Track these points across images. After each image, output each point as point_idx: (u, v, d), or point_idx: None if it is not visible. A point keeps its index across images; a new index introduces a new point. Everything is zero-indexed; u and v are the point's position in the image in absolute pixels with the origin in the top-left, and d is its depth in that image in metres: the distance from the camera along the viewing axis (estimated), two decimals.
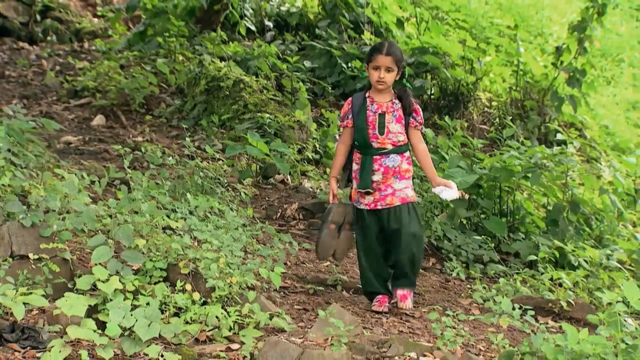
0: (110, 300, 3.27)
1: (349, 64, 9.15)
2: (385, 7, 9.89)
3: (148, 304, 3.22)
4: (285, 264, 4.72)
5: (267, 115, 7.17)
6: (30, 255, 3.54)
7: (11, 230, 3.67)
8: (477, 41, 9.37)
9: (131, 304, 3.22)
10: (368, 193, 4.16)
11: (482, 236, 5.69)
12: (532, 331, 3.67)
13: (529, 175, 5.70)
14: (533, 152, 5.92)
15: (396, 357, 3.39)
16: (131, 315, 3.10)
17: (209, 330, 3.42)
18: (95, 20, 12.31)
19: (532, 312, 3.71)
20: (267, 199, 6.36)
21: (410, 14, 10.25)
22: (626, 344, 3.04)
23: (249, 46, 9.58)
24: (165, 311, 3.40)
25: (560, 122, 8.97)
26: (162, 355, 3.07)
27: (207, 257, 3.72)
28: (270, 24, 10.59)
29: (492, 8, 12.21)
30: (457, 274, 5.22)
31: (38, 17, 11.64)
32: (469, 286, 5.04)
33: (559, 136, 7.52)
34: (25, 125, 5.09)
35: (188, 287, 3.51)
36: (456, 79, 8.78)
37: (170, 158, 5.92)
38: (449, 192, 4.20)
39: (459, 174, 5.62)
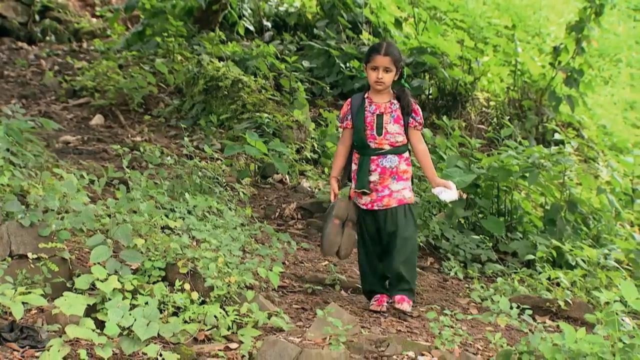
0: (109, 299, 3.28)
1: (347, 64, 9.16)
2: (383, 7, 9.90)
3: (147, 303, 3.23)
4: (284, 263, 4.73)
5: (266, 115, 7.18)
6: (29, 255, 3.54)
7: (10, 229, 3.68)
8: (475, 41, 9.39)
9: (130, 304, 3.22)
10: (364, 193, 4.16)
11: (480, 236, 5.70)
12: (530, 330, 3.68)
13: (527, 174, 5.72)
14: (531, 151, 5.93)
15: (394, 357, 3.40)
16: (130, 314, 3.10)
17: (208, 330, 3.42)
18: (94, 20, 12.32)
19: (530, 312, 3.73)
20: (265, 198, 6.37)
21: (408, 14, 10.26)
22: (623, 343, 3.05)
23: (247, 46, 9.59)
24: (164, 310, 3.41)
25: (557, 121, 8.99)
26: (160, 355, 3.08)
27: (206, 257, 3.73)
28: (269, 24, 10.60)
29: (489, 8, 12.22)
30: (455, 273, 5.23)
31: (37, 17, 11.64)
32: (466, 285, 5.05)
33: (557, 136, 7.53)
34: (24, 125, 5.10)
35: (187, 286, 3.52)
36: (454, 79, 8.80)
37: (169, 158, 5.93)
38: (448, 193, 4.20)
39: (456, 174, 5.64)
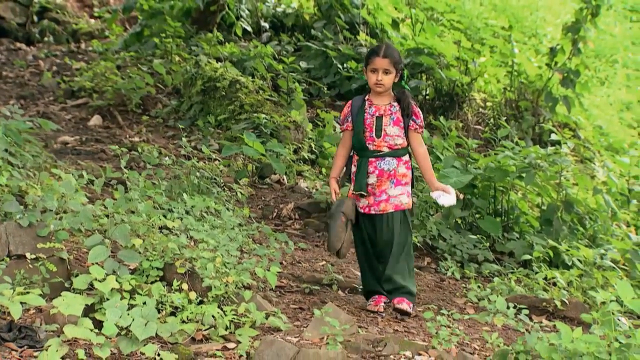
0: (107, 299, 3.28)
1: (345, 65, 9.18)
2: (380, 8, 9.92)
3: (145, 303, 3.24)
4: (281, 263, 4.74)
5: (263, 115, 7.19)
6: (28, 255, 3.55)
7: (8, 230, 3.68)
8: (472, 42, 9.41)
9: (128, 304, 3.23)
10: (362, 196, 4.16)
11: (477, 236, 5.72)
12: (527, 330, 3.70)
13: (523, 175, 5.73)
14: (527, 152, 5.95)
15: (391, 356, 3.41)
16: (128, 314, 3.12)
17: (206, 330, 3.43)
18: (92, 21, 12.32)
19: (527, 311, 3.75)
20: (263, 198, 6.38)
21: (405, 15, 10.28)
22: (620, 342, 3.06)
23: (245, 47, 9.60)
24: (162, 310, 3.42)
25: (554, 122, 9.01)
26: (158, 355, 3.09)
27: (204, 257, 3.74)
28: (266, 25, 10.61)
29: (486, 9, 12.24)
30: (452, 273, 5.25)
31: (35, 18, 11.65)
32: (463, 285, 5.07)
33: (553, 136, 7.55)
34: (23, 126, 5.10)
35: (184, 286, 3.53)
36: (451, 80, 8.82)
37: (167, 158, 5.94)
38: (446, 197, 4.18)
39: (453, 174, 5.66)
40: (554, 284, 4.95)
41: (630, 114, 11.06)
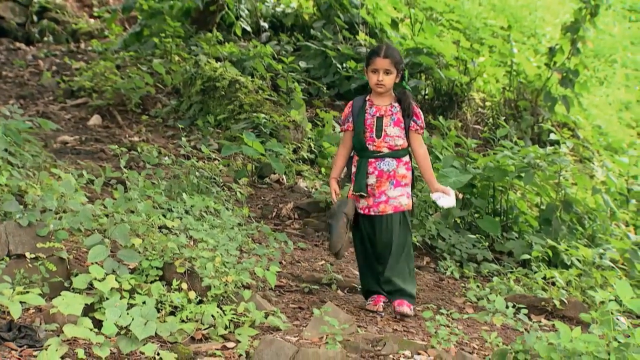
0: (107, 299, 3.29)
1: (344, 65, 9.18)
2: (379, 8, 9.93)
3: (144, 302, 3.24)
4: (281, 263, 4.75)
5: (263, 115, 7.20)
6: (27, 255, 3.56)
7: (8, 229, 3.69)
8: (471, 42, 9.41)
9: (127, 303, 3.23)
10: (362, 196, 4.15)
11: (476, 235, 5.72)
12: (526, 329, 3.70)
13: (522, 174, 5.74)
14: (526, 152, 5.96)
15: (390, 356, 3.41)
16: (127, 314, 3.12)
17: (205, 329, 3.44)
18: (92, 21, 12.32)
19: (526, 311, 3.75)
20: (262, 198, 6.38)
21: (404, 14, 10.29)
22: (618, 342, 3.06)
23: (244, 47, 9.61)
24: (161, 310, 3.42)
25: (553, 122, 9.02)
26: (158, 354, 3.09)
27: (203, 256, 3.74)
28: (266, 25, 10.62)
29: (485, 9, 12.25)
30: (451, 272, 5.26)
31: (35, 18, 11.65)
32: (462, 285, 5.07)
33: (552, 136, 7.56)
34: (22, 125, 5.10)
35: (184, 286, 3.53)
36: (450, 80, 8.83)
37: (166, 158, 5.94)
38: (446, 199, 4.17)
39: (452, 174, 5.66)
40: (553, 284, 4.96)
41: (629, 114, 11.08)
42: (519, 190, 6.57)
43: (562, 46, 8.34)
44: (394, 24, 10.00)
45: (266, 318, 3.59)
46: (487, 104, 9.29)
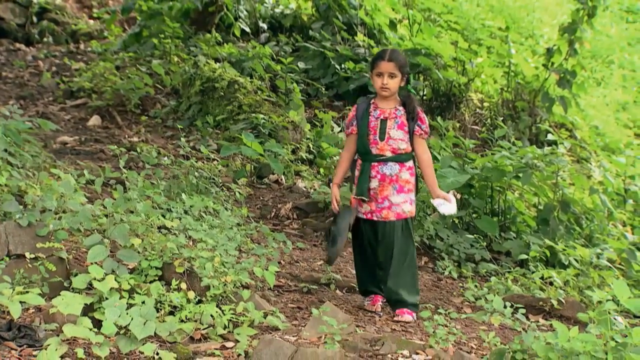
0: (106, 298, 3.30)
1: (343, 65, 9.20)
2: (378, 9, 9.94)
3: (143, 302, 3.25)
4: (280, 262, 4.76)
5: (262, 115, 7.21)
6: (27, 255, 3.56)
7: (8, 229, 3.69)
8: (469, 43, 9.43)
9: (127, 303, 3.24)
10: (363, 201, 4.14)
11: (474, 235, 5.74)
12: (523, 329, 3.71)
13: (520, 175, 5.76)
14: (524, 152, 5.97)
15: (389, 355, 3.43)
16: (127, 313, 3.13)
17: (204, 329, 3.45)
18: (91, 22, 12.33)
19: (523, 311, 3.76)
20: (261, 198, 6.40)
21: (402, 15, 10.31)
22: (616, 342, 3.07)
23: (243, 47, 9.62)
24: (161, 310, 3.43)
25: (551, 122, 9.04)
26: (157, 354, 3.10)
27: (202, 256, 3.75)
28: (265, 26, 10.63)
29: (483, 10, 12.26)
30: (449, 272, 5.27)
31: (34, 19, 11.66)
32: (460, 285, 5.09)
33: (550, 136, 7.58)
34: (22, 126, 5.11)
35: (183, 285, 3.54)
36: (448, 80, 8.84)
37: (166, 158, 5.95)
38: (447, 206, 4.15)
39: (451, 174, 5.68)
40: (551, 284, 4.97)
41: (626, 114, 11.09)
42: (517, 191, 6.58)
43: (559, 47, 8.36)
44: (392, 25, 10.01)
45: (265, 318, 3.61)
46: (485, 104, 9.31)
